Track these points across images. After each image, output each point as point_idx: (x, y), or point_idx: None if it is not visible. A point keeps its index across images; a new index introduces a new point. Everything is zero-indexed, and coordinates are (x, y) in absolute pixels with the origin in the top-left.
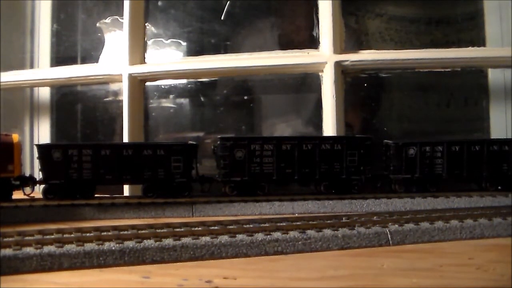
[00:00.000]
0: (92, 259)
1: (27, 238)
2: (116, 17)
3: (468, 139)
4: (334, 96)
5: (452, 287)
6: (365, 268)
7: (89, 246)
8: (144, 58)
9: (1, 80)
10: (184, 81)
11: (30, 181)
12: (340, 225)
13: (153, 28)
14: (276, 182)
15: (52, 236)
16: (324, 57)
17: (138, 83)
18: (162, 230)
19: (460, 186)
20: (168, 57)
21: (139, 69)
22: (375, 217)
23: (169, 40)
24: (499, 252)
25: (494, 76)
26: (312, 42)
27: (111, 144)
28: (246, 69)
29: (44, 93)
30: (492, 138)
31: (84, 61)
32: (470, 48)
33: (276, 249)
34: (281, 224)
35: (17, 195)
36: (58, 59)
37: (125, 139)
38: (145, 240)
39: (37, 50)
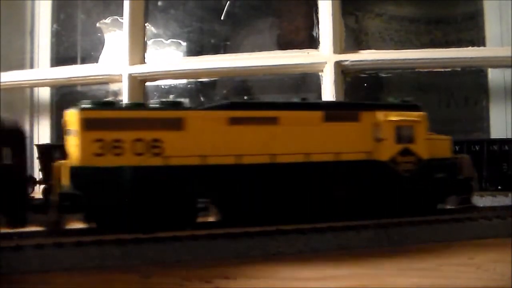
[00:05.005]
0: (92, 260)
1: (27, 239)
2: (116, 17)
3: (467, 139)
4: (334, 96)
5: (452, 287)
6: (365, 268)
7: (89, 247)
8: (144, 58)
9: (1, 80)
10: (184, 81)
11: (30, 182)
12: (340, 225)
13: (153, 28)
14: None
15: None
16: (324, 57)
17: (138, 83)
18: None
19: None
20: (168, 57)
21: (139, 69)
22: None
23: (169, 40)
24: (499, 252)
25: (494, 76)
26: (312, 42)
27: None
28: (246, 69)
29: (44, 93)
30: (492, 137)
31: (84, 61)
32: (470, 48)
33: (276, 249)
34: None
35: None
36: (58, 59)
37: None
38: (145, 241)
39: (37, 51)
